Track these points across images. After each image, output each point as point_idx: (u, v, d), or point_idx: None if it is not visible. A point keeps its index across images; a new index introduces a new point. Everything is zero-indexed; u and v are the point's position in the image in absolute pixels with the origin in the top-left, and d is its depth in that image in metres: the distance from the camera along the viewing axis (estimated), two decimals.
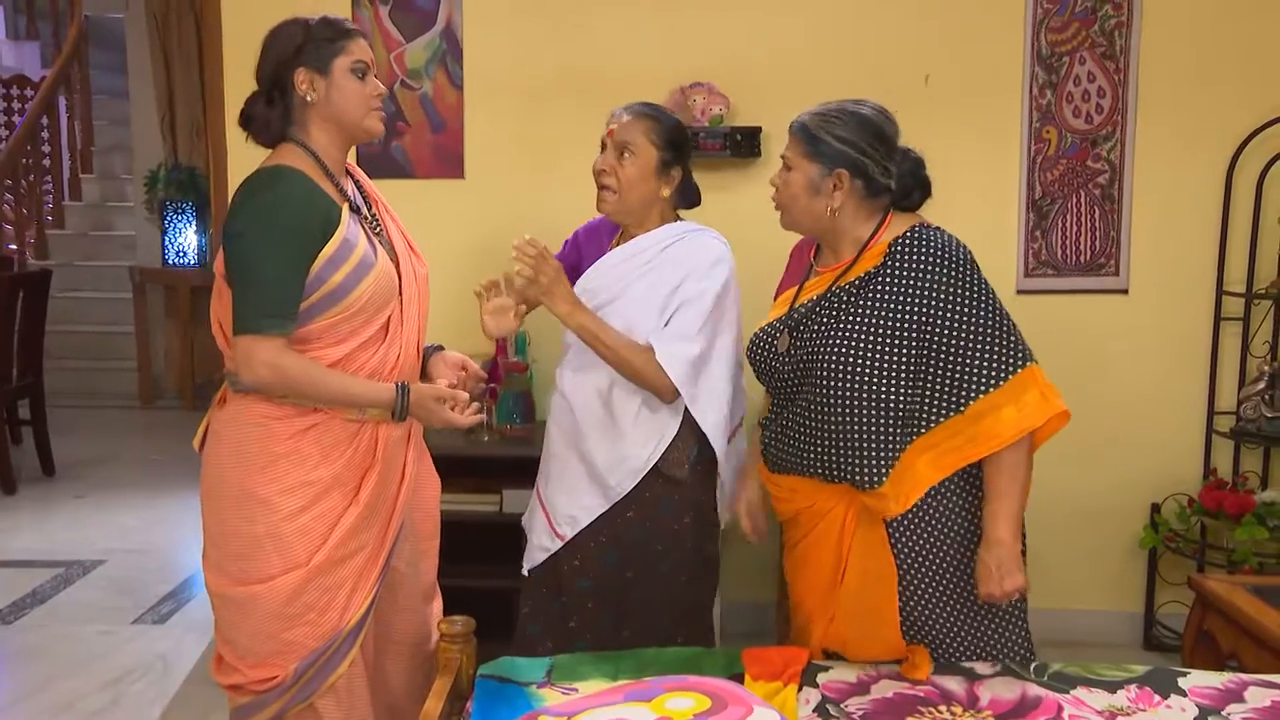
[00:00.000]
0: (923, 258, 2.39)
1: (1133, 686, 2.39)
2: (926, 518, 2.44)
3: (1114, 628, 4.24)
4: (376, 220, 2.58)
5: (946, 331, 2.35)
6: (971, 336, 2.34)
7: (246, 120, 2.50)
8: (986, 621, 2.51)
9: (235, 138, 4.14)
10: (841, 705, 2.31)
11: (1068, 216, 4.13)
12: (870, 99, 2.52)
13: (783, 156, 2.52)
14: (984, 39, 4.11)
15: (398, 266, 2.53)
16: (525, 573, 2.99)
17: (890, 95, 4.02)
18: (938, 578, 2.46)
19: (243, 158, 4.15)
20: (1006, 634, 2.53)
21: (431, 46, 4.13)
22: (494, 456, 3.87)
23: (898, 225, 2.47)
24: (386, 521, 2.55)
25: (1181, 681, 2.41)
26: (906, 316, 2.37)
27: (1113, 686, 2.39)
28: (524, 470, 3.88)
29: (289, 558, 2.41)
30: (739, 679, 2.33)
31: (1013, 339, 2.37)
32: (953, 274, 2.37)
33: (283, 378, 2.35)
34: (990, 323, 2.36)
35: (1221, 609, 3.01)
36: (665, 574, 2.88)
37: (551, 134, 4.15)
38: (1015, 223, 4.14)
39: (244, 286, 2.34)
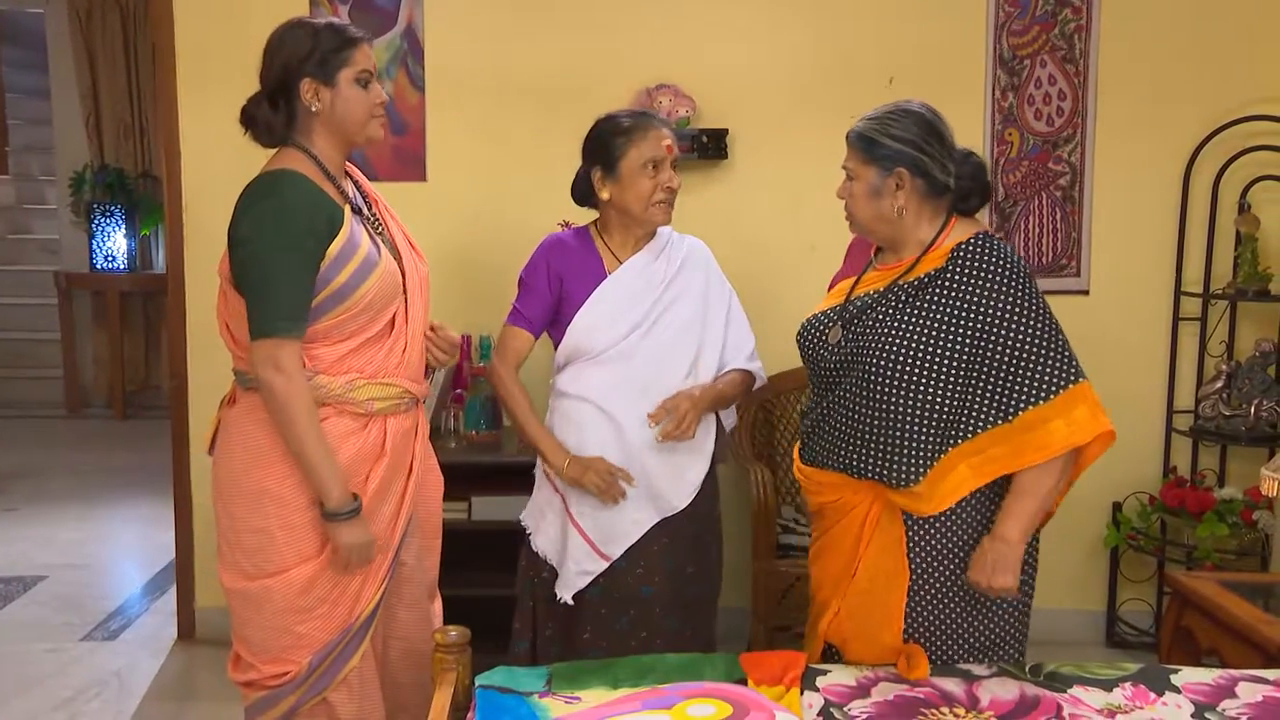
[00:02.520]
0: (986, 266, 2.42)
1: (1127, 684, 2.44)
2: (947, 522, 2.48)
3: (1077, 625, 4.34)
4: (378, 220, 2.64)
5: (1001, 341, 2.38)
6: (1026, 348, 2.38)
7: (249, 121, 2.54)
8: (987, 623, 2.56)
9: (190, 140, 4.15)
10: (845, 709, 2.34)
11: (1030, 218, 4.22)
12: (916, 99, 2.55)
13: (844, 167, 2.53)
14: (947, 42, 4.18)
15: (401, 265, 2.60)
16: (570, 600, 2.99)
17: (854, 97, 4.12)
18: (949, 581, 2.51)
19: (198, 160, 4.15)
20: (1002, 635, 2.58)
21: (392, 47, 4.11)
22: (461, 463, 3.85)
23: (961, 229, 2.50)
24: (395, 514, 2.63)
25: (1174, 678, 2.47)
26: (963, 322, 2.40)
27: (1108, 685, 2.44)
28: (492, 476, 3.89)
29: (301, 549, 2.50)
30: (741, 684, 2.36)
31: (1066, 354, 2.41)
32: (1013, 285, 2.41)
33: (284, 395, 2.41)
34: (1045, 337, 2.39)
35: (1201, 606, 3.10)
36: (713, 566, 3.05)
37: (516, 137, 4.15)
38: None
39: (258, 291, 2.42)
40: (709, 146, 4.09)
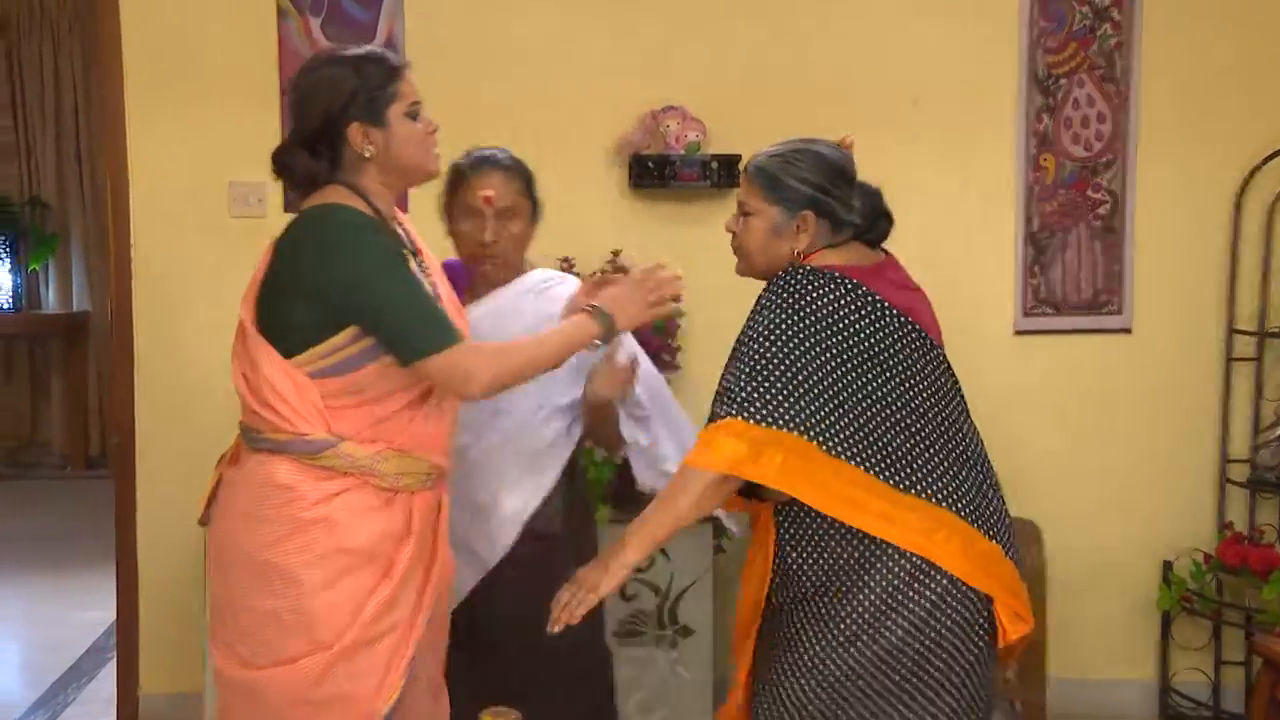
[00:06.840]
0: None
1: None
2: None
3: (1127, 698, 4.19)
4: (426, 270, 2.49)
5: None
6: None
7: (286, 171, 2.38)
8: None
9: (138, 160, 3.89)
10: None
11: (1068, 251, 4.10)
12: (822, 138, 2.51)
13: (740, 201, 2.51)
14: (975, 59, 4.07)
15: None
16: None
17: (876, 119, 4.01)
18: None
19: (148, 190, 3.88)
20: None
21: None
22: None
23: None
24: (418, 600, 2.42)
25: None
26: None
27: None
28: None
29: (315, 638, 2.29)
30: None
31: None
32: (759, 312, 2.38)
33: (496, 367, 2.33)
34: (740, 364, 2.34)
35: None
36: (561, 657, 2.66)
37: None
38: (1012, 258, 4.09)
39: (401, 319, 2.28)
40: (721, 174, 3.92)
